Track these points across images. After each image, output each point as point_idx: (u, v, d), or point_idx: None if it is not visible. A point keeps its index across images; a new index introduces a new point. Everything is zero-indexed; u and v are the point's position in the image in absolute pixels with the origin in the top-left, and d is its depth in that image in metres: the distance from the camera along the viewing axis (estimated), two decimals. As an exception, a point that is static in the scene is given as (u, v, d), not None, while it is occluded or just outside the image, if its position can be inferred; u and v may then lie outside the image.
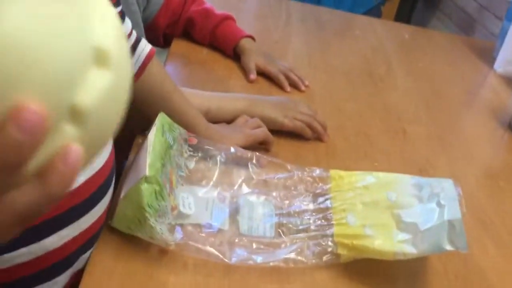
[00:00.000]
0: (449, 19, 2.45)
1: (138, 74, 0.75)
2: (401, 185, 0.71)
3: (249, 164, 0.78)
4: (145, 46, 0.77)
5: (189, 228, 0.65)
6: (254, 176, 0.77)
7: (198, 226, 0.66)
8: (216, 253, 0.63)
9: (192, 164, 0.74)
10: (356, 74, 1.26)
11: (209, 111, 0.87)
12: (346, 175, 0.76)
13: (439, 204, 0.67)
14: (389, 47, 1.49)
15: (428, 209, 0.67)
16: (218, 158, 0.77)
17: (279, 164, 0.80)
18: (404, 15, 2.69)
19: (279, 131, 0.91)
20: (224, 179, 0.75)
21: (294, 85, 1.10)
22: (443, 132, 1.08)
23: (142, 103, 0.77)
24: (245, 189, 0.75)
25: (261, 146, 0.86)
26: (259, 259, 0.64)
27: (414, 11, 2.79)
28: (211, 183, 0.73)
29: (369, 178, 0.74)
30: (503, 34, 1.51)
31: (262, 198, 0.74)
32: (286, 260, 0.65)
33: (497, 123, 1.18)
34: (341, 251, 0.66)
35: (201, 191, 0.71)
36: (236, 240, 0.66)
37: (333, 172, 0.78)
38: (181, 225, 0.65)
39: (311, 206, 0.73)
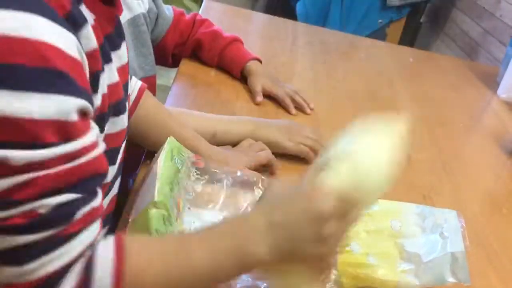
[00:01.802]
0: (453, 42, 2.48)
1: (133, 107, 0.78)
2: (405, 214, 0.72)
3: (254, 188, 0.79)
4: (137, 82, 0.81)
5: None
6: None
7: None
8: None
9: (199, 187, 0.75)
10: (360, 97, 1.28)
11: (215, 134, 0.88)
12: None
13: (442, 235, 0.67)
14: (393, 70, 1.50)
15: (431, 240, 0.67)
16: (225, 182, 0.78)
17: None
18: (408, 37, 2.72)
19: (284, 155, 0.92)
20: (230, 203, 0.76)
21: (299, 108, 1.12)
22: (447, 158, 1.09)
23: (140, 134, 0.79)
24: None
25: (265, 169, 0.87)
26: (263, 286, 0.64)
27: (419, 33, 2.82)
28: (218, 206, 0.74)
29: (374, 205, 0.75)
30: (506, 60, 1.53)
31: None
32: None
33: (500, 149, 1.18)
34: (345, 279, 0.66)
35: (208, 215, 0.72)
36: None
37: None
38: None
39: None
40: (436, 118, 1.27)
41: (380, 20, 2.55)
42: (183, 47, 1.20)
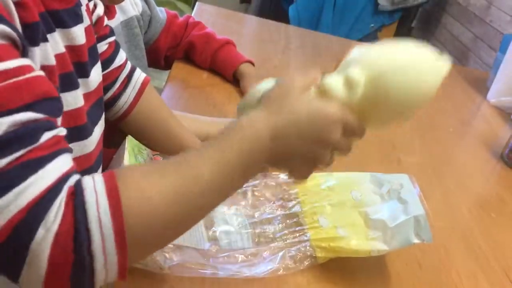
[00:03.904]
0: (444, 47, 2.50)
1: (135, 101, 0.78)
2: (362, 184, 0.77)
3: None
4: (140, 74, 0.81)
5: (180, 250, 0.66)
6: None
7: (185, 247, 0.67)
8: (209, 271, 0.64)
9: None
10: (352, 101, 1.28)
11: (208, 137, 0.88)
12: (309, 178, 0.80)
13: (400, 200, 0.72)
14: (385, 75, 1.51)
15: (392, 206, 0.72)
16: None
17: None
18: (400, 42, 2.73)
19: (276, 157, 0.92)
20: None
21: (291, 111, 1.12)
22: (437, 163, 1.10)
23: (140, 129, 0.79)
24: None
25: (258, 172, 0.87)
26: (248, 272, 0.65)
27: (410, 37, 2.84)
28: None
29: (331, 179, 0.79)
30: (496, 65, 1.54)
31: (233, 208, 0.76)
32: (274, 271, 0.67)
33: (489, 154, 1.20)
34: (319, 253, 0.69)
35: None
36: (223, 257, 0.67)
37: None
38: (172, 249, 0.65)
39: (281, 212, 0.77)
40: (426, 122, 1.28)
41: (372, 25, 2.56)
42: (175, 49, 1.20)
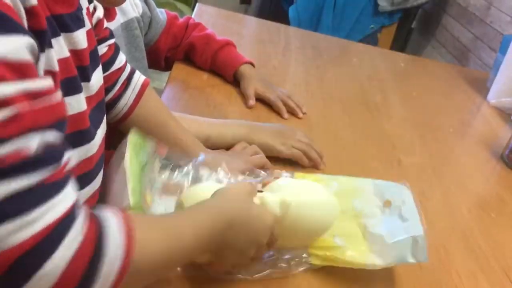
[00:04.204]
0: (444, 47, 2.50)
1: (135, 103, 0.78)
2: (364, 192, 0.77)
3: (218, 169, 0.79)
4: (140, 77, 0.81)
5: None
6: (224, 181, 0.78)
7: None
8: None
9: (166, 175, 0.75)
10: (352, 102, 1.29)
11: (209, 138, 0.89)
12: (310, 178, 0.81)
13: (401, 217, 0.71)
14: (384, 75, 1.51)
15: (392, 222, 0.71)
16: (189, 166, 0.77)
17: None
18: (400, 42, 2.74)
19: (276, 158, 0.92)
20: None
21: (292, 112, 1.12)
22: (437, 163, 1.10)
23: (140, 130, 0.79)
24: None
25: (258, 172, 0.88)
26: (243, 273, 0.66)
27: (410, 38, 2.84)
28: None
29: (334, 183, 0.79)
30: (496, 66, 1.54)
31: None
32: (270, 274, 0.67)
33: (489, 154, 1.20)
34: (315, 261, 0.70)
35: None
36: None
37: (297, 175, 0.82)
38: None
39: None
40: (426, 123, 1.28)
41: (371, 26, 2.57)
42: (176, 50, 1.20)
